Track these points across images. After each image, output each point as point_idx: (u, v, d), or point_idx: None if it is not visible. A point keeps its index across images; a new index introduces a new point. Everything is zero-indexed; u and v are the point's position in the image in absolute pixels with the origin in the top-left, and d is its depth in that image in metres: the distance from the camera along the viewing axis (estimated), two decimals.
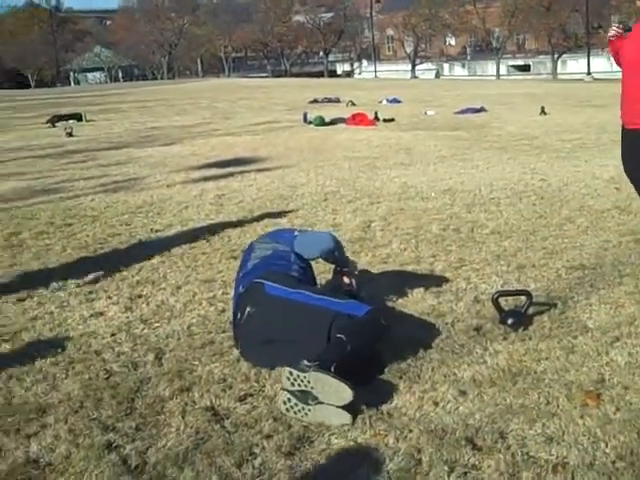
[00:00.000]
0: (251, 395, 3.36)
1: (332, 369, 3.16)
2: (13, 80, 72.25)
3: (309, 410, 3.07)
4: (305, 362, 3.19)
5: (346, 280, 4.17)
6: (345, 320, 3.48)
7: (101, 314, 4.49)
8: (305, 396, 3.09)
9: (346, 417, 3.04)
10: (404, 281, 4.85)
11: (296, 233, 4.15)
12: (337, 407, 3.05)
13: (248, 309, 3.62)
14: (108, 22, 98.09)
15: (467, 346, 3.81)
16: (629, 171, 5.04)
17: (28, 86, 69.91)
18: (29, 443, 2.99)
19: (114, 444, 2.96)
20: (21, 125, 20.07)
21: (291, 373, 3.13)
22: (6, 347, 4.03)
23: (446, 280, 4.88)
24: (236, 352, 3.75)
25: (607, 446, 2.83)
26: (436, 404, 3.22)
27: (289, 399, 3.10)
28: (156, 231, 6.61)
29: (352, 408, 3.08)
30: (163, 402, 3.29)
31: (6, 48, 72.17)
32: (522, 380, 3.40)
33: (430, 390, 3.34)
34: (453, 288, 4.72)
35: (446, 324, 4.12)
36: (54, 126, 18.36)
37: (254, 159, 11.19)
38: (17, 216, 7.42)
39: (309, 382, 3.09)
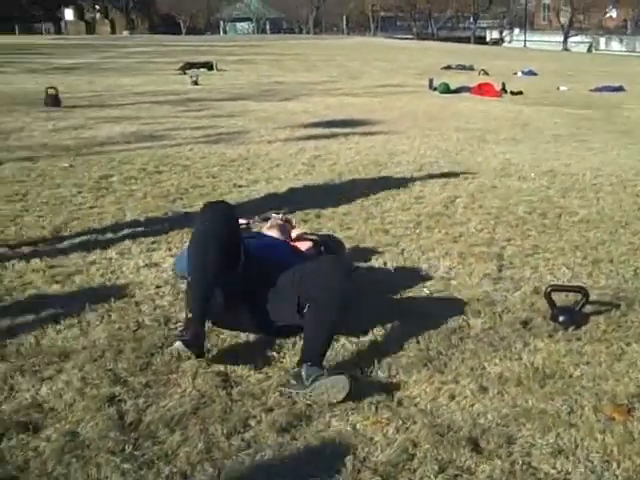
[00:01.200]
0: (268, 365, 3.30)
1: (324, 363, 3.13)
2: (167, 26, 74.45)
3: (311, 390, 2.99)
4: (295, 370, 3.11)
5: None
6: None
7: (155, 265, 4.52)
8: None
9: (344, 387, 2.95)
10: (465, 263, 4.67)
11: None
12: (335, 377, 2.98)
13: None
14: None
15: (507, 340, 3.62)
16: None
17: (180, 32, 71.74)
18: (40, 386, 3.04)
19: (118, 398, 2.97)
20: (156, 70, 20.65)
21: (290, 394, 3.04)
22: (55, 288, 4.12)
23: (511, 266, 4.66)
24: None
25: (619, 467, 2.62)
26: (452, 397, 3.07)
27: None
28: (239, 186, 6.61)
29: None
30: (179, 362, 3.26)
31: None
32: (552, 383, 3.19)
33: (451, 382, 3.19)
34: (516, 276, 4.49)
35: (494, 314, 3.92)
36: (184, 73, 18.74)
37: (364, 121, 11.06)
38: (115, 159, 7.60)
39: (310, 396, 2.99)
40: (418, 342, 3.55)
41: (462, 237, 5.27)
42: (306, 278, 3.29)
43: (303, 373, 3.01)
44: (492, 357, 3.43)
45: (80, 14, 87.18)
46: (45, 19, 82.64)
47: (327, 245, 4.08)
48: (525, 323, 3.83)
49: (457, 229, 5.46)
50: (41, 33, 73.03)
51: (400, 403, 3.03)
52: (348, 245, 4.71)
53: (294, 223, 4.34)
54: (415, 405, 3.02)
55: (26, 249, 4.72)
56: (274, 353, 3.41)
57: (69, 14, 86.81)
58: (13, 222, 5.32)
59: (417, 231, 5.38)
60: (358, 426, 2.85)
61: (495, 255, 4.88)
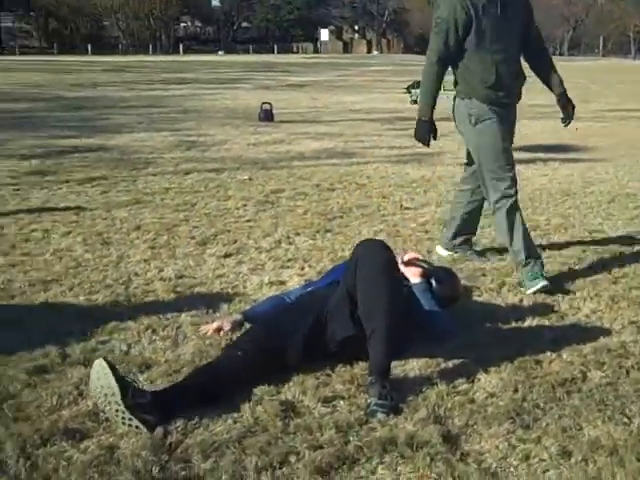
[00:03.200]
0: (341, 398, 3.11)
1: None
2: (421, 46, 75.65)
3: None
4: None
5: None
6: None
7: (281, 283, 4.46)
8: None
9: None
10: (614, 307, 4.17)
11: None
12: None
13: None
14: None
15: (624, 399, 3.13)
16: None
17: None
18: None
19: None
20: (384, 88, 20.89)
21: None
22: (172, 297, 4.17)
23: None
24: None
25: None
26: (525, 459, 2.69)
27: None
28: (405, 208, 6.42)
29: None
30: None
31: (418, 14, 75.24)
32: None
33: (532, 441, 2.80)
34: None
35: (620, 367, 3.43)
36: (409, 92, 18.73)
37: (574, 147, 10.41)
38: (295, 174, 7.69)
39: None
40: (516, 390, 3.19)
41: (624, 278, 4.72)
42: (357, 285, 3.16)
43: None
44: (595, 417, 2.99)
45: (339, 34, 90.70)
46: (303, 39, 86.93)
47: (438, 276, 3.77)
48: None
49: (623, 270, 4.90)
50: (297, 52, 76.77)
51: (463, 458, 2.71)
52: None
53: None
54: (479, 463, 2.69)
55: (165, 257, 4.83)
56: (349, 385, 3.20)
57: (324, 34, 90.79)
58: (169, 231, 5.49)
59: (576, 267, 4.90)
60: (401, 478, 2.58)
61: None
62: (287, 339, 3.23)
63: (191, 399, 2.95)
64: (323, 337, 3.28)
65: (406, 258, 3.78)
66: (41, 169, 7.89)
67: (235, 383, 3.11)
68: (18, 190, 6.82)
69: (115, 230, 5.49)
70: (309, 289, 3.78)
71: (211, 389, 3.02)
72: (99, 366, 2.79)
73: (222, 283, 4.42)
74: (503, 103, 4.45)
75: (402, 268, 3.67)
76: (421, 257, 3.87)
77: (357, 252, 3.27)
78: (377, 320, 3.07)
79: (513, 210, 4.43)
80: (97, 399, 2.82)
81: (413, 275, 3.69)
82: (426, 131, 4.53)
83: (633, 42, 73.90)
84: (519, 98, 4.62)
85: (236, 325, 3.66)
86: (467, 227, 5.04)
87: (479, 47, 4.32)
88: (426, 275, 3.71)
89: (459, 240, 5.03)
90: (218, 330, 3.62)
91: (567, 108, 4.68)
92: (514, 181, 4.47)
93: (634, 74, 32.78)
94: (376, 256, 3.19)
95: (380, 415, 2.92)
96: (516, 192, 4.46)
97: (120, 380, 2.76)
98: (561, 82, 4.63)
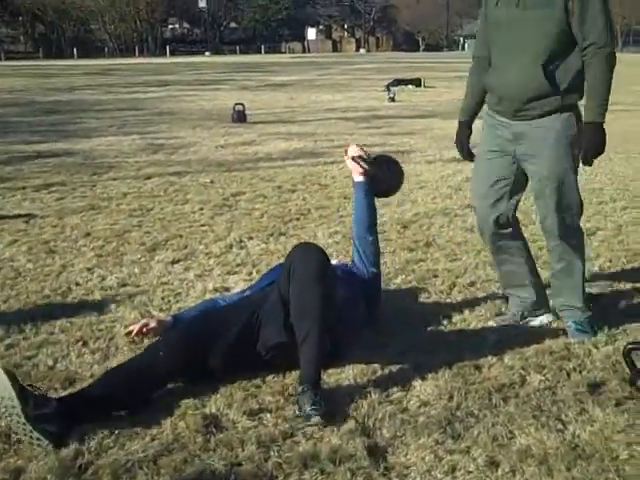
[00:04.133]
0: (268, 411, 2.99)
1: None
2: (408, 43, 75.83)
3: None
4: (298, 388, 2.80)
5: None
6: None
7: (226, 289, 4.35)
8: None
9: None
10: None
11: None
12: None
13: None
14: None
15: (561, 405, 3.04)
16: None
17: (418, 49, 72.49)
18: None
19: (85, 435, 2.79)
20: (365, 86, 20.78)
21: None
22: (111, 307, 4.04)
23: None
24: None
25: None
26: (452, 471, 2.59)
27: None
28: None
29: None
30: (175, 399, 3.04)
31: (406, 11, 75.27)
32: (583, 465, 2.61)
33: (460, 451, 2.70)
34: (615, 330, 3.80)
35: (561, 370, 3.33)
36: (388, 90, 18.64)
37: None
38: (258, 176, 7.58)
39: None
40: (451, 397, 3.08)
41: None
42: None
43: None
44: (529, 425, 2.88)
45: (328, 33, 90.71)
46: (292, 39, 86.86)
47: (379, 175, 3.74)
48: (595, 386, 3.21)
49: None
50: (286, 52, 76.72)
51: (386, 472, 2.60)
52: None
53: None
54: (402, 477, 2.58)
55: (111, 265, 4.71)
56: (279, 397, 3.08)
57: (312, 33, 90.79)
58: (119, 237, 5.38)
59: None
60: None
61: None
62: (211, 343, 3.12)
63: (101, 404, 2.83)
64: (254, 343, 3.17)
65: (350, 153, 3.74)
66: None
67: (152, 385, 3.00)
68: None
69: (63, 238, 5.37)
70: (246, 293, 3.68)
71: (123, 391, 2.90)
72: None
73: (165, 290, 4.31)
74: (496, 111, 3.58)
75: (346, 161, 3.75)
76: (364, 153, 3.78)
77: (291, 257, 3.16)
78: (308, 327, 2.97)
79: None
80: None
81: (357, 173, 3.71)
82: (458, 136, 3.77)
83: (620, 35, 73.91)
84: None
85: (164, 326, 3.55)
86: None
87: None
88: (368, 174, 3.69)
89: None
90: (143, 329, 3.51)
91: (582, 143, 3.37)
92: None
93: (621, 66, 32.63)
94: (309, 261, 3.09)
95: (315, 419, 2.81)
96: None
97: (20, 390, 2.65)
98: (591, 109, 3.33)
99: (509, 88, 3.42)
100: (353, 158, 3.72)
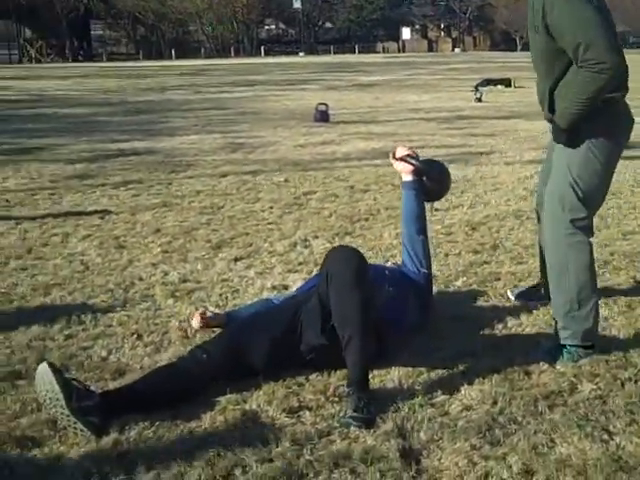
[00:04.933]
0: (309, 409, 3.00)
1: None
2: (507, 42, 74.78)
3: None
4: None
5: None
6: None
7: (285, 287, 4.37)
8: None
9: None
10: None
11: None
12: None
13: None
14: None
15: (610, 414, 2.93)
16: None
17: (515, 49, 71.28)
18: None
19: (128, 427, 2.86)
20: (454, 86, 20.54)
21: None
22: (169, 302, 4.12)
23: None
24: None
25: None
26: (484, 477, 2.55)
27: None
28: (435, 209, 6.21)
29: None
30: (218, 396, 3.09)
31: (504, 10, 74.06)
32: (624, 478, 2.52)
33: (496, 458, 2.64)
34: None
35: (615, 380, 3.21)
36: (476, 90, 18.39)
37: (635, 144, 9.95)
38: (332, 175, 7.60)
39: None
40: (495, 403, 3.02)
41: None
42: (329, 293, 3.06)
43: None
44: (572, 434, 2.80)
45: (424, 33, 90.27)
46: (386, 39, 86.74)
47: (429, 174, 3.71)
48: None
49: None
50: (381, 52, 76.66)
51: (416, 475, 2.57)
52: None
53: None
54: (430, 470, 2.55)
55: (175, 261, 4.81)
56: (320, 396, 3.09)
57: (406, 33, 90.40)
58: (187, 234, 5.48)
59: (599, 271, 4.65)
60: None
61: None
62: (254, 341, 3.15)
63: (143, 401, 2.90)
64: (296, 343, 3.19)
65: (398, 154, 3.71)
66: (82, 173, 8.01)
67: (195, 386, 3.05)
68: (53, 194, 6.92)
69: (133, 234, 5.50)
70: (294, 294, 3.70)
71: (165, 391, 2.97)
72: (43, 370, 2.78)
73: (224, 287, 4.36)
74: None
75: (394, 163, 3.72)
76: (412, 153, 3.75)
77: (327, 262, 3.16)
78: (350, 333, 2.97)
79: None
80: (43, 403, 2.80)
81: (405, 172, 3.69)
82: None
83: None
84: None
85: (219, 320, 3.61)
86: None
87: None
88: (417, 173, 3.66)
89: None
90: (201, 320, 3.56)
91: None
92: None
93: None
94: (346, 266, 3.07)
95: (353, 428, 2.82)
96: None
97: (64, 383, 2.74)
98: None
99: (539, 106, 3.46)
100: (402, 158, 3.69)
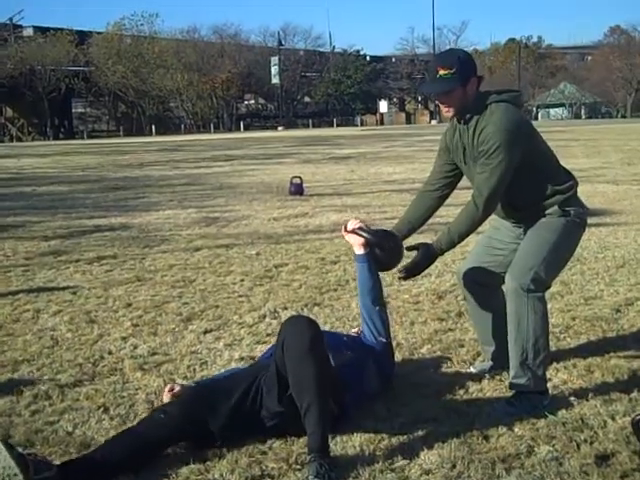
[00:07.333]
0: (271, 477, 3.05)
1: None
2: None
3: None
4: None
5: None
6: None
7: (252, 358, 4.43)
8: None
9: None
10: (589, 378, 4.02)
11: None
12: None
13: None
14: (589, 58, 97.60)
15: (565, 477, 3.00)
16: None
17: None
18: None
19: None
20: (424, 158, 20.80)
21: None
22: (137, 375, 4.18)
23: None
24: None
25: None
26: None
27: None
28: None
29: None
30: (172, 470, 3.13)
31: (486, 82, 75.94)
32: None
33: None
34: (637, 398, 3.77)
35: (572, 441, 3.29)
36: None
37: (602, 211, 10.20)
38: (304, 248, 7.73)
39: None
40: (454, 466, 3.08)
41: (606, 347, 4.54)
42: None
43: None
44: None
45: (401, 105, 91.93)
46: (364, 112, 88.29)
47: (381, 245, 3.74)
48: (604, 458, 3.16)
49: (606, 338, 4.74)
50: (359, 125, 77.86)
51: None
52: None
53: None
54: None
55: (145, 334, 4.87)
56: (283, 464, 3.14)
57: (384, 106, 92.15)
58: (157, 308, 5.55)
59: (559, 335, 4.77)
60: None
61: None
62: (212, 405, 3.21)
63: (102, 470, 2.93)
64: (257, 409, 3.25)
65: (350, 227, 3.77)
66: (57, 249, 8.09)
67: (154, 449, 3.09)
68: (27, 271, 6.99)
69: (105, 308, 5.57)
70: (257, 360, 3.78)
71: (124, 458, 2.99)
72: None
73: (192, 359, 4.42)
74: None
75: (346, 237, 3.77)
76: (364, 226, 3.82)
77: (283, 331, 3.24)
78: (309, 401, 3.02)
79: None
80: None
81: (356, 245, 3.74)
82: None
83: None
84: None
85: (186, 392, 3.64)
86: None
87: None
88: (368, 244, 3.71)
89: None
90: (171, 396, 3.59)
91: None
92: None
93: None
94: (300, 336, 3.15)
95: None
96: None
97: (19, 457, 2.75)
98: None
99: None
100: (352, 230, 3.78)
